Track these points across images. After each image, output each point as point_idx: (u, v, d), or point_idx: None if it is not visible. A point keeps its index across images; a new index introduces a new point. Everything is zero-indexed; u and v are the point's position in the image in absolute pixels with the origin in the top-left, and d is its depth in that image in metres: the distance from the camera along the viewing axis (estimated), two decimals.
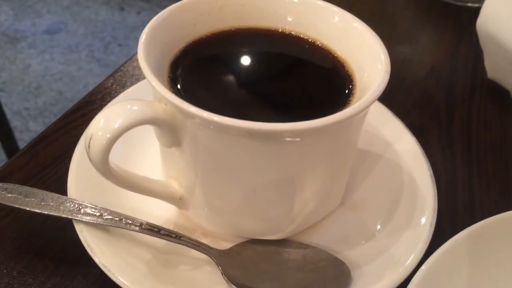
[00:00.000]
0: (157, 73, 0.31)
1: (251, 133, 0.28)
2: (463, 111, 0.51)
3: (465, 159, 0.46)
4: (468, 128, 0.49)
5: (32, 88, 1.87)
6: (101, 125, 0.28)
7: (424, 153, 0.41)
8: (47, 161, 0.42)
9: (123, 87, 0.51)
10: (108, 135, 0.28)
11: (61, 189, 0.37)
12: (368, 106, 0.29)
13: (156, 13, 0.34)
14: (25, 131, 1.68)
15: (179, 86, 0.33)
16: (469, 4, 0.68)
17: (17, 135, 1.59)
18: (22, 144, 1.51)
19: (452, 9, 0.67)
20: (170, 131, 0.31)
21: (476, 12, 0.54)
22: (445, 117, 0.50)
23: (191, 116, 0.28)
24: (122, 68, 0.53)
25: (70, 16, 2.30)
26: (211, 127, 0.29)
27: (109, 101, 0.49)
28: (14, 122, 1.68)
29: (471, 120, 0.50)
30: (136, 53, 0.55)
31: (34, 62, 2.00)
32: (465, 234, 0.34)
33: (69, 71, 1.98)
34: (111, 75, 0.53)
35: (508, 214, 0.36)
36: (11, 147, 1.30)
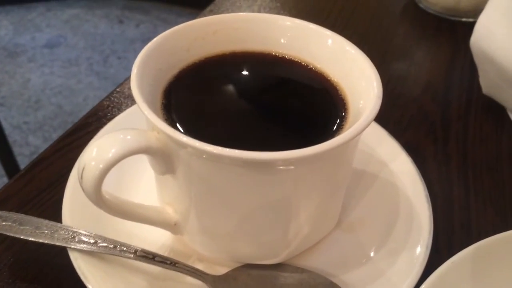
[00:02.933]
0: (150, 100, 0.31)
1: (244, 162, 0.28)
2: (459, 128, 0.51)
3: (461, 176, 0.46)
4: (464, 145, 0.49)
5: (31, 102, 1.88)
6: (94, 155, 0.28)
7: (420, 174, 0.41)
8: (43, 185, 0.42)
9: (119, 108, 0.51)
10: (101, 166, 0.28)
11: (57, 213, 0.37)
12: (360, 132, 0.29)
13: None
14: (25, 146, 1.68)
15: (172, 113, 0.33)
16: (464, 19, 0.68)
17: (17, 149, 1.59)
18: (21, 159, 1.51)
19: (447, 24, 0.68)
20: (164, 159, 0.31)
21: (470, 27, 0.55)
22: (441, 133, 0.50)
23: (183, 145, 0.28)
24: (117, 90, 0.54)
25: (69, 29, 2.31)
26: (204, 156, 0.29)
27: (105, 123, 0.49)
28: (14, 136, 1.69)
29: (467, 137, 0.50)
30: (130, 75, 0.56)
31: (33, 76, 2.01)
32: (462, 256, 0.34)
33: (69, 84, 1.98)
34: (108, 96, 0.53)
35: (505, 234, 0.36)
36: (9, 162, 1.30)
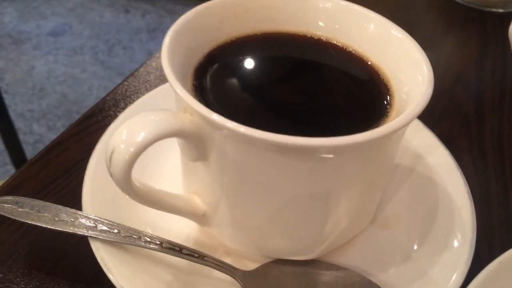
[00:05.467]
0: (181, 80, 0.29)
1: (284, 148, 0.26)
2: (493, 120, 0.49)
3: (498, 172, 0.44)
4: (500, 138, 0.47)
5: (36, 90, 1.85)
6: (124, 137, 0.26)
7: (459, 167, 0.38)
8: (60, 171, 0.40)
9: (136, 93, 0.49)
10: (132, 149, 0.26)
11: (74, 200, 0.35)
12: (413, 119, 0.27)
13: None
14: (29, 134, 1.66)
15: (204, 95, 0.31)
16: (493, 10, 0.65)
17: (21, 137, 1.57)
18: (25, 147, 1.49)
19: (476, 14, 0.65)
20: (196, 144, 0.28)
21: (500, 17, 0.52)
22: (475, 126, 0.48)
23: (219, 127, 0.26)
24: (135, 74, 0.51)
25: (74, 18, 2.28)
26: (241, 139, 0.26)
27: (123, 108, 0.47)
28: (18, 124, 1.66)
29: (503, 130, 0.48)
30: (148, 59, 0.54)
31: (38, 64, 1.99)
32: (509, 256, 0.32)
33: (73, 73, 1.96)
34: (125, 80, 0.50)
35: None
36: (15, 150, 1.28)
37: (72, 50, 2.08)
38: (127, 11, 2.35)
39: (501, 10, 0.65)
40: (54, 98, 1.82)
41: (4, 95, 1.75)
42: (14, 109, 1.73)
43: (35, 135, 1.65)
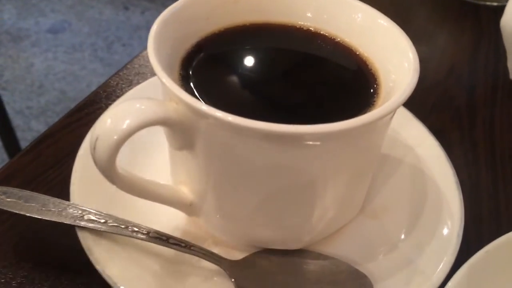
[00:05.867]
0: (168, 70, 0.29)
1: (269, 135, 0.26)
2: (485, 113, 0.49)
3: (489, 163, 0.44)
4: (492, 131, 0.47)
5: (34, 87, 1.85)
6: (108, 125, 0.26)
7: (448, 158, 0.38)
8: (50, 162, 0.40)
9: (129, 85, 0.49)
10: (115, 137, 0.26)
11: (64, 191, 0.35)
12: (398, 107, 0.27)
13: (160, 13, 0.32)
14: (27, 131, 1.66)
15: (191, 84, 0.31)
16: (488, 3, 0.65)
17: (19, 134, 1.57)
18: (23, 144, 1.49)
19: (470, 7, 0.65)
20: (182, 133, 0.28)
21: (494, 10, 0.52)
22: (467, 118, 0.48)
23: (205, 116, 0.26)
24: (128, 66, 0.51)
25: (74, 15, 2.28)
26: (226, 128, 0.26)
27: (114, 100, 0.47)
28: (16, 121, 1.67)
29: (494, 123, 0.48)
30: (142, 51, 0.54)
31: (37, 61, 1.99)
32: (496, 245, 0.32)
33: (72, 70, 1.96)
34: (117, 73, 0.50)
35: None
36: (12, 147, 1.28)
37: (71, 47, 2.08)
38: (126, 8, 2.34)
39: (495, 4, 0.65)
40: (53, 95, 1.82)
41: (3, 92, 1.76)
42: (12, 106, 1.73)
43: (34, 132, 1.65)
